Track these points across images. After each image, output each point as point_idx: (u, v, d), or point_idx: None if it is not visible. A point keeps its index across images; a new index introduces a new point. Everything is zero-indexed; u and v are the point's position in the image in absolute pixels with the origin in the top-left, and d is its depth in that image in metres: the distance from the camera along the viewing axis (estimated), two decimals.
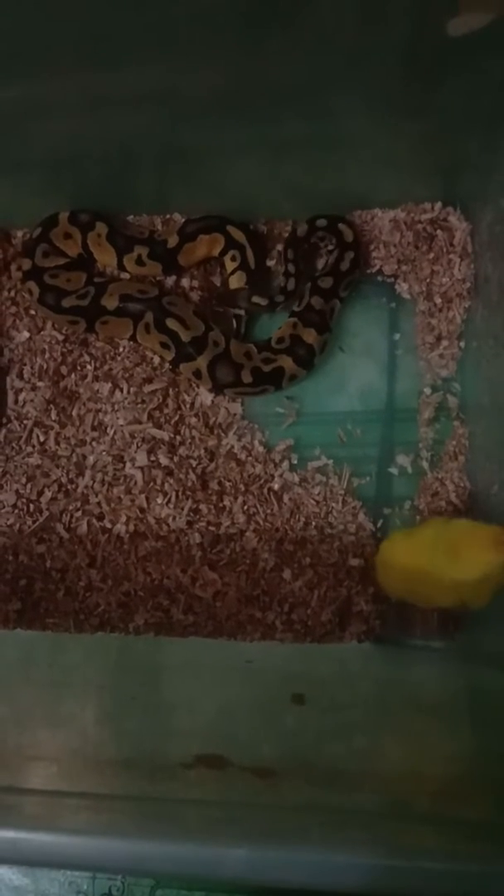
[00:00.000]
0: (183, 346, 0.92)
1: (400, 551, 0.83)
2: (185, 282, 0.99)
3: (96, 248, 0.97)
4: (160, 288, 0.96)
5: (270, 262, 0.99)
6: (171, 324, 0.92)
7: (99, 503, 0.94)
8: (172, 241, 0.95)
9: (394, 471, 0.94)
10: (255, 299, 0.94)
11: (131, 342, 0.97)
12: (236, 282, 0.95)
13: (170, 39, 0.71)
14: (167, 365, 0.96)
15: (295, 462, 0.94)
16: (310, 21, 0.69)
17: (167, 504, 0.93)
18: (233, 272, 0.96)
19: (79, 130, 0.84)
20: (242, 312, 0.95)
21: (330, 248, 0.95)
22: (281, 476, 0.94)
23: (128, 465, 0.95)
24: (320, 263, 0.97)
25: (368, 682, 0.81)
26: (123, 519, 0.94)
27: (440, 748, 0.66)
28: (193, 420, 0.95)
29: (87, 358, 0.98)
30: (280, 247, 0.97)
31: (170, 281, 0.99)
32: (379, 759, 0.64)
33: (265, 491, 0.93)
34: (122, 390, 0.96)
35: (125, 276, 0.99)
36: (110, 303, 0.93)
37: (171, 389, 0.96)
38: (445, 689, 0.77)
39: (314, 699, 0.73)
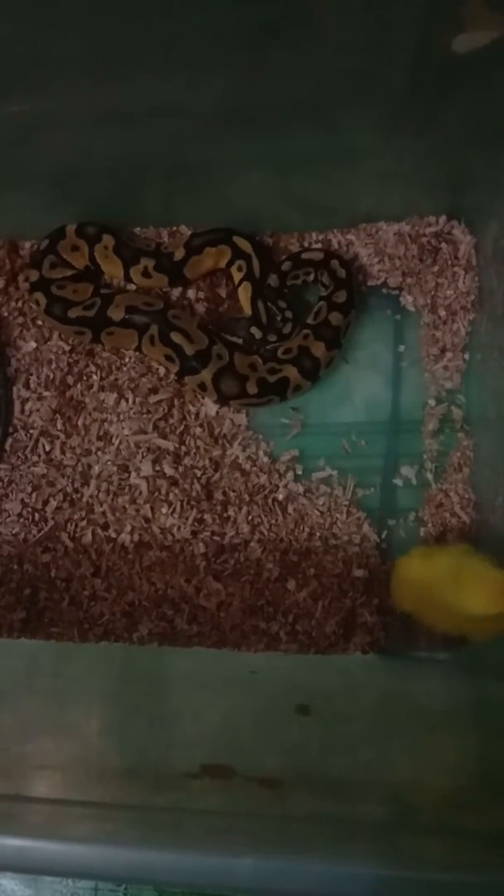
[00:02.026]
0: (187, 359, 0.92)
1: (414, 569, 0.83)
2: (191, 293, 0.99)
3: (103, 260, 0.98)
4: (166, 301, 0.97)
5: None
6: (176, 337, 0.92)
7: (104, 513, 0.95)
8: (179, 253, 0.96)
9: (398, 482, 0.94)
10: (253, 330, 0.94)
11: (137, 353, 0.97)
12: (244, 293, 0.96)
13: (178, 55, 0.72)
14: (172, 376, 0.96)
15: (299, 473, 0.94)
16: (316, 37, 0.70)
17: (172, 514, 0.94)
18: (239, 283, 0.96)
19: (87, 144, 0.85)
20: (240, 341, 0.95)
21: (324, 283, 0.95)
22: (285, 487, 0.94)
23: (133, 474, 0.95)
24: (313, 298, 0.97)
25: (373, 694, 0.81)
26: (128, 528, 0.94)
27: (445, 759, 0.66)
28: (198, 430, 0.96)
29: (93, 368, 0.98)
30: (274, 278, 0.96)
31: (176, 293, 0.99)
32: (384, 769, 0.64)
33: (270, 501, 0.94)
34: (127, 400, 0.97)
35: (132, 287, 0.99)
36: (116, 314, 0.94)
37: (176, 400, 0.97)
38: (450, 701, 0.77)
39: (319, 710, 0.73)
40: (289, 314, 0.95)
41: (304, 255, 0.95)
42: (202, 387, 0.93)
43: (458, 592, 0.76)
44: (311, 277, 0.96)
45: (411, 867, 0.49)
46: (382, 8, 0.67)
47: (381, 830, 0.53)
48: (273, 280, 0.95)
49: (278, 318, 0.95)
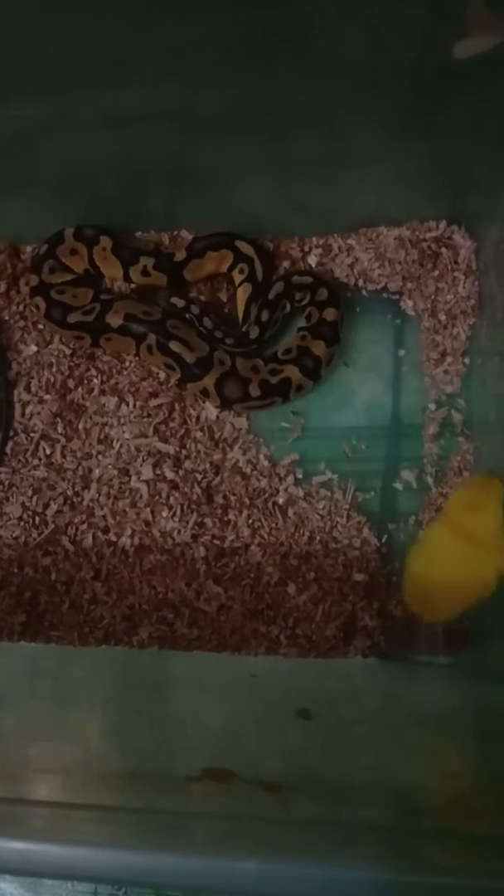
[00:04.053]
0: (188, 367, 0.92)
1: (413, 560, 0.85)
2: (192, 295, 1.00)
3: (102, 262, 0.98)
4: (165, 311, 0.95)
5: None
6: (175, 346, 0.92)
7: (104, 516, 0.95)
8: (180, 255, 0.96)
9: (398, 486, 0.94)
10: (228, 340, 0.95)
11: (137, 357, 0.98)
12: (243, 294, 0.96)
13: (181, 59, 0.72)
14: (174, 380, 0.96)
15: (300, 476, 0.94)
16: (318, 42, 0.70)
17: (172, 517, 0.94)
18: (240, 284, 0.96)
19: (89, 148, 0.85)
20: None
21: (305, 302, 0.95)
22: (286, 490, 0.94)
23: (133, 478, 0.95)
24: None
25: (374, 698, 0.81)
26: (128, 532, 0.94)
27: (446, 763, 0.66)
28: (199, 434, 0.96)
29: (93, 372, 0.98)
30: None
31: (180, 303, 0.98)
32: (385, 773, 0.64)
33: (270, 505, 0.94)
34: (128, 404, 0.97)
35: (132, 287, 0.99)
36: (114, 320, 0.94)
37: (176, 404, 0.97)
38: (451, 705, 0.77)
39: (320, 714, 0.73)
40: (264, 315, 0.94)
41: (294, 280, 0.95)
42: (204, 393, 0.94)
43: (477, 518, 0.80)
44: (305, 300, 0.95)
45: (413, 872, 0.49)
46: (384, 14, 0.67)
47: (383, 834, 0.53)
48: (278, 286, 0.95)
49: (255, 321, 0.95)
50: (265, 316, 0.94)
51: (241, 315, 0.97)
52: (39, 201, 0.94)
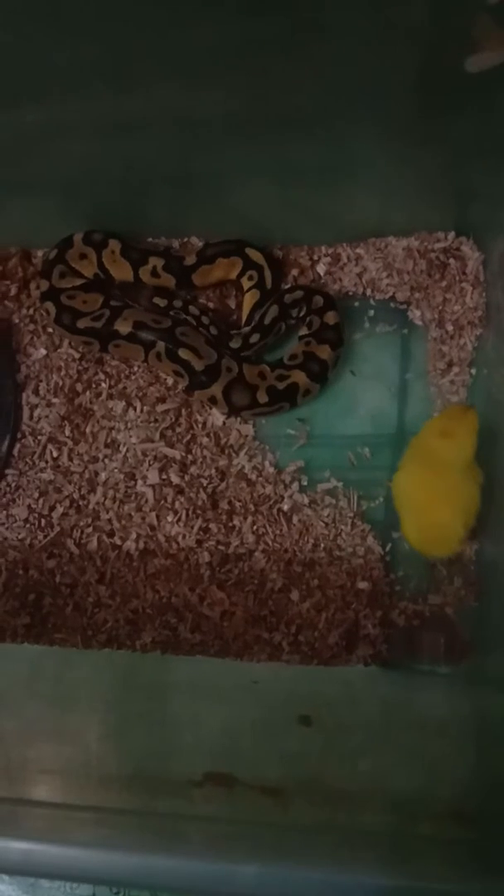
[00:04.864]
0: (196, 374, 0.93)
1: (399, 504, 0.88)
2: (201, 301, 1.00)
3: (112, 265, 0.98)
4: (174, 319, 0.96)
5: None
6: (184, 353, 0.93)
7: (110, 520, 0.95)
8: (190, 259, 0.97)
9: None
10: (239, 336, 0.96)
11: (146, 363, 0.98)
12: (250, 299, 0.97)
13: (188, 66, 0.73)
14: (181, 387, 0.97)
15: (305, 484, 0.95)
16: (326, 52, 0.71)
17: (177, 522, 0.94)
18: (248, 290, 0.97)
19: (97, 154, 0.85)
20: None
21: (302, 314, 0.96)
22: (291, 497, 0.94)
23: (139, 482, 0.96)
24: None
25: (375, 706, 0.81)
26: (133, 536, 0.94)
27: (445, 771, 0.66)
28: (205, 440, 0.96)
29: (101, 376, 0.99)
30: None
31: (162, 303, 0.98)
32: (385, 781, 0.64)
33: (275, 512, 0.94)
34: (135, 409, 0.98)
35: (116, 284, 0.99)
36: (123, 328, 0.94)
37: (183, 409, 0.97)
38: (452, 714, 0.77)
39: (321, 721, 0.73)
40: (254, 338, 0.95)
41: (286, 299, 0.95)
42: (212, 400, 0.94)
43: (450, 442, 0.84)
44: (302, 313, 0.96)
45: (412, 877, 0.50)
46: (392, 25, 0.68)
47: (382, 840, 0.54)
48: (273, 311, 0.95)
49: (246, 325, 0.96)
50: (254, 338, 0.95)
51: (244, 318, 0.98)
52: (50, 206, 0.95)
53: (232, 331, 0.97)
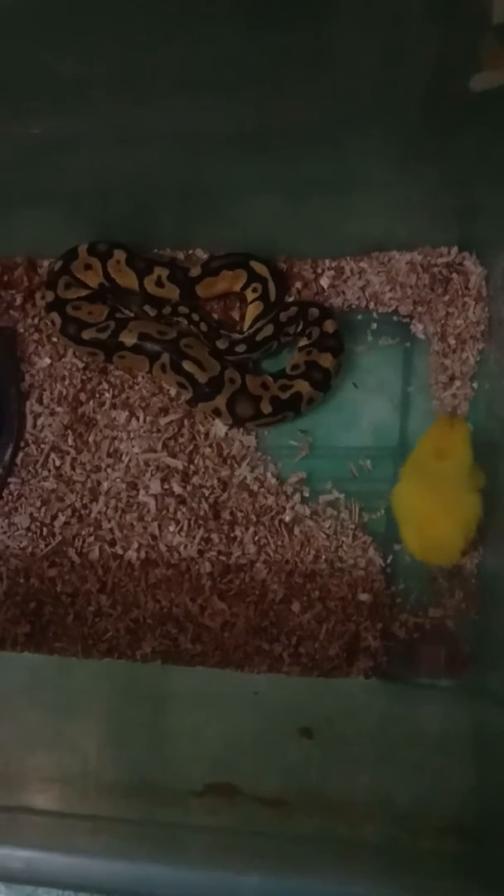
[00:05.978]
0: (200, 386, 0.93)
1: (400, 518, 0.89)
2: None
3: (117, 275, 0.99)
4: (179, 330, 0.97)
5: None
6: (188, 366, 0.93)
7: (111, 529, 0.95)
8: (195, 271, 0.97)
9: None
10: (219, 343, 0.96)
11: (150, 374, 0.99)
12: (253, 311, 0.97)
13: (195, 80, 0.74)
14: (183, 399, 0.97)
15: (307, 495, 0.95)
16: (332, 67, 0.72)
17: (179, 532, 0.94)
18: (252, 301, 0.98)
19: (105, 165, 0.86)
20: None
21: (299, 329, 0.97)
22: (292, 508, 0.95)
23: (141, 492, 0.96)
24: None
25: (375, 718, 0.81)
26: (135, 546, 0.95)
27: (445, 785, 0.66)
28: (208, 450, 0.97)
29: (105, 386, 0.99)
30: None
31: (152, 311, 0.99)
32: (386, 793, 0.64)
33: (276, 523, 0.94)
34: (138, 419, 0.98)
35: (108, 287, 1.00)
36: (128, 339, 0.95)
37: (186, 420, 0.98)
38: (452, 727, 0.77)
39: (321, 733, 0.73)
40: (238, 341, 0.96)
41: (281, 318, 0.96)
42: (216, 412, 0.95)
43: (443, 462, 0.85)
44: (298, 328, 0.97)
45: (411, 890, 0.50)
46: (398, 43, 0.69)
47: (381, 853, 0.54)
48: (267, 329, 0.96)
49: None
50: (241, 348, 0.96)
51: (245, 327, 0.98)
52: (56, 216, 0.96)
53: (222, 331, 0.98)
